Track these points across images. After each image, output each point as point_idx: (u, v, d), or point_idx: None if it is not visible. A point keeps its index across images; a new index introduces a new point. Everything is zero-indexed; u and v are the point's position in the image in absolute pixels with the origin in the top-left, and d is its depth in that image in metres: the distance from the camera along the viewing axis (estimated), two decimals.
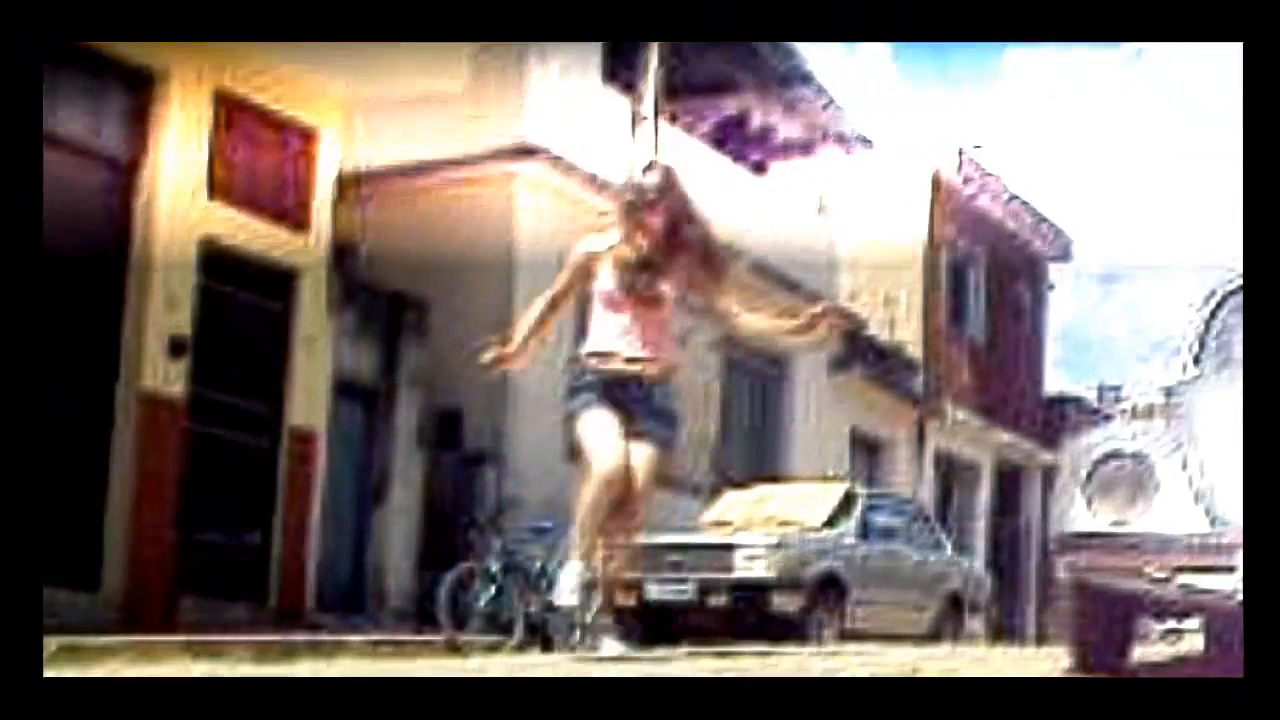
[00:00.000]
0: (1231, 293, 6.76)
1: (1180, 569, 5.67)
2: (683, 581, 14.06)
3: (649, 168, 7.17)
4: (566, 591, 6.54)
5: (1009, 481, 30.25)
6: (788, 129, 24.65)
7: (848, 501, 16.63)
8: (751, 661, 5.66)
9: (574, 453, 6.98)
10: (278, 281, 14.41)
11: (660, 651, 6.47)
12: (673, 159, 12.33)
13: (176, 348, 13.06)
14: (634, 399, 6.68)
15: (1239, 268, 6.38)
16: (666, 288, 6.74)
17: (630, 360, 6.68)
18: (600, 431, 6.56)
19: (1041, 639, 24.95)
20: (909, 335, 27.12)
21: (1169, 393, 6.57)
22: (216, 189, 13.64)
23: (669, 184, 6.82)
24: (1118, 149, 69.68)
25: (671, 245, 6.72)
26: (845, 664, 6.55)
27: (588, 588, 6.64)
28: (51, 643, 8.40)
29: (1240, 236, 5.37)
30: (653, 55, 16.79)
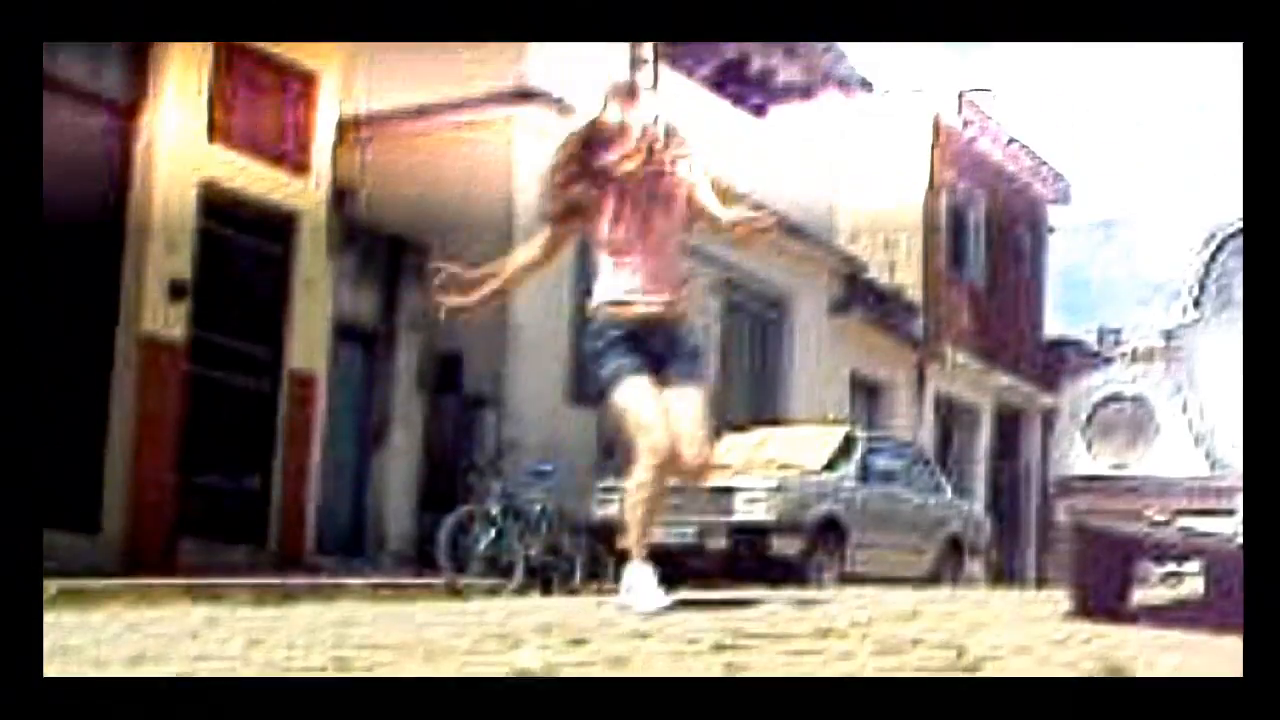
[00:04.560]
0: (1231, 235, 6.75)
1: (1180, 512, 5.69)
2: (682, 524, 14.01)
3: (620, 93, 6.44)
4: (643, 596, 6.06)
5: (1009, 425, 30.30)
6: (788, 73, 24.58)
7: (848, 445, 16.65)
8: (756, 620, 5.66)
9: (616, 427, 6.49)
10: (278, 225, 14.40)
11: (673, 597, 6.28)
12: (672, 103, 12.27)
13: (177, 291, 13.06)
14: (662, 346, 6.32)
15: (1239, 210, 6.38)
16: (666, 221, 6.31)
17: (648, 305, 6.28)
18: (642, 404, 6.13)
19: (1041, 582, 25.07)
20: (909, 278, 27.11)
21: (1169, 336, 6.58)
22: (217, 133, 13.61)
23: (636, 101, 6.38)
24: (1121, 93, 69.57)
25: (662, 172, 6.27)
26: (844, 609, 6.57)
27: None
28: (52, 586, 8.45)
29: (1240, 178, 5.37)
30: None
